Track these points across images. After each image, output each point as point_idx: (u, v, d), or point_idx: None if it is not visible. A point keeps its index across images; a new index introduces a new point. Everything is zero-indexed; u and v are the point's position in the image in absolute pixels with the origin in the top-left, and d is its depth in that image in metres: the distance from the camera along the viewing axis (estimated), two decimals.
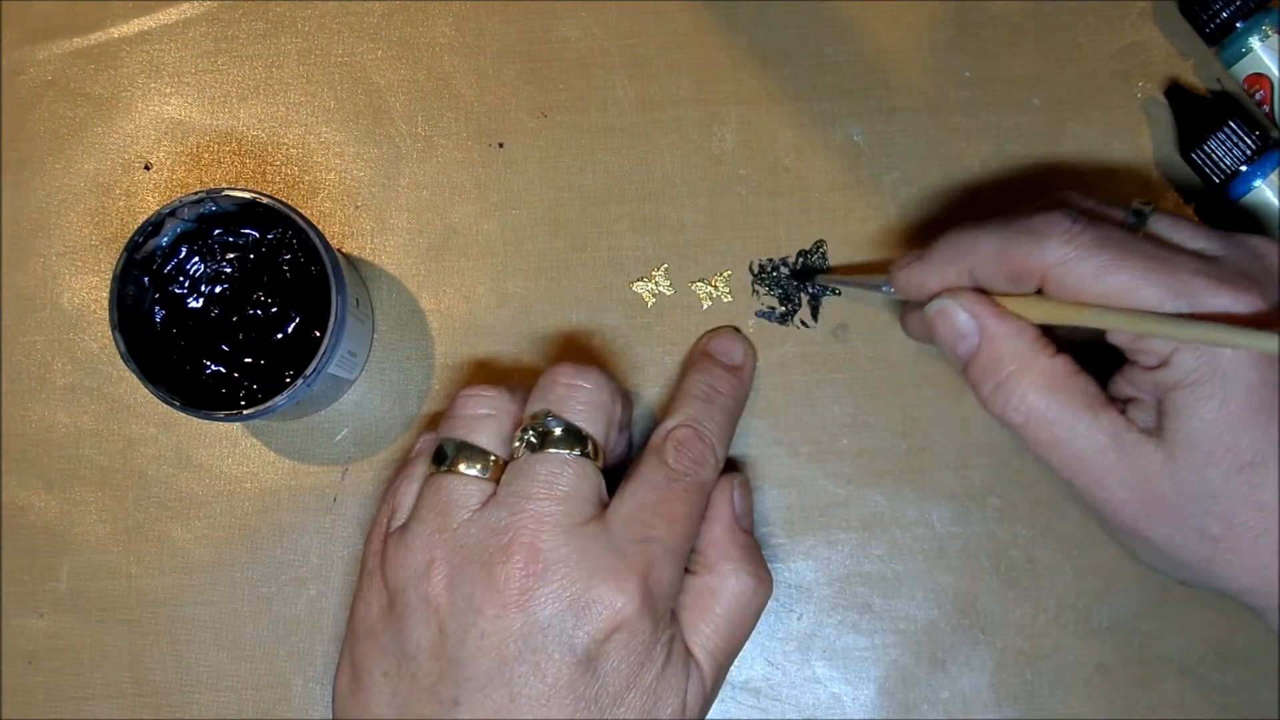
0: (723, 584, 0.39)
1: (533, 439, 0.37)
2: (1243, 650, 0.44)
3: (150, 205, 0.45)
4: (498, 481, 0.37)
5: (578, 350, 0.45)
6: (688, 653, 0.38)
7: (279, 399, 0.38)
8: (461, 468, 0.37)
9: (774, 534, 0.44)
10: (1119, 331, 0.36)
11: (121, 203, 0.45)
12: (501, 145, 0.45)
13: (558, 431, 0.37)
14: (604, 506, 0.37)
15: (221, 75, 0.46)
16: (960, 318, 0.37)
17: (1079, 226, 0.35)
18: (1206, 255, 0.36)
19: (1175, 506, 0.35)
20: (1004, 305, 0.37)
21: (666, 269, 0.45)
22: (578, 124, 0.45)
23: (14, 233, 0.45)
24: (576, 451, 0.37)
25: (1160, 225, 0.37)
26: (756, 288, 0.45)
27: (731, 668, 0.44)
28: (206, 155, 0.45)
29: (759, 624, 0.44)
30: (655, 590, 0.36)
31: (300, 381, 0.38)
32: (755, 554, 0.40)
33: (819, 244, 0.45)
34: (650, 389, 0.45)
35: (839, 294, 0.45)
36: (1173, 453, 0.35)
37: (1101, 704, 0.44)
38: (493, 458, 0.38)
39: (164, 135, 0.46)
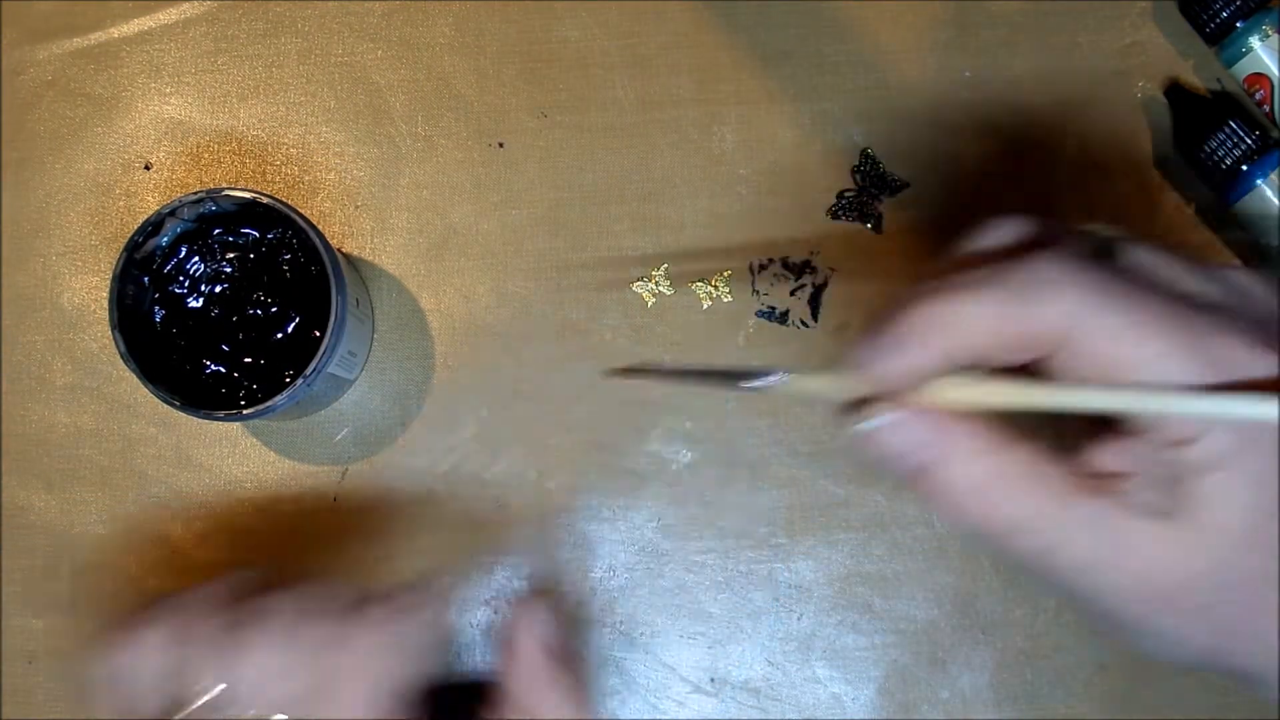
0: None
1: None
2: None
3: (150, 205, 0.45)
4: None
5: (574, 348, 0.45)
6: None
7: (279, 399, 0.38)
8: None
9: (774, 534, 0.44)
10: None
11: (121, 203, 0.45)
12: (501, 145, 0.45)
13: None
14: None
15: (221, 75, 0.46)
16: (902, 437, 0.30)
17: (1088, 271, 0.29)
18: (1207, 299, 0.31)
19: (1194, 596, 0.31)
20: (961, 407, 0.30)
21: (666, 269, 0.45)
22: (578, 124, 0.45)
23: (14, 233, 0.45)
24: None
25: (1140, 258, 0.31)
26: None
27: (731, 668, 0.44)
28: (206, 155, 0.45)
29: (758, 624, 0.44)
30: None
31: (300, 381, 0.38)
32: (569, 685, 0.36)
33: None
34: (651, 389, 0.45)
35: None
36: (1195, 540, 0.30)
37: (1101, 704, 0.44)
38: None
39: (164, 135, 0.46)
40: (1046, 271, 0.28)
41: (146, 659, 0.35)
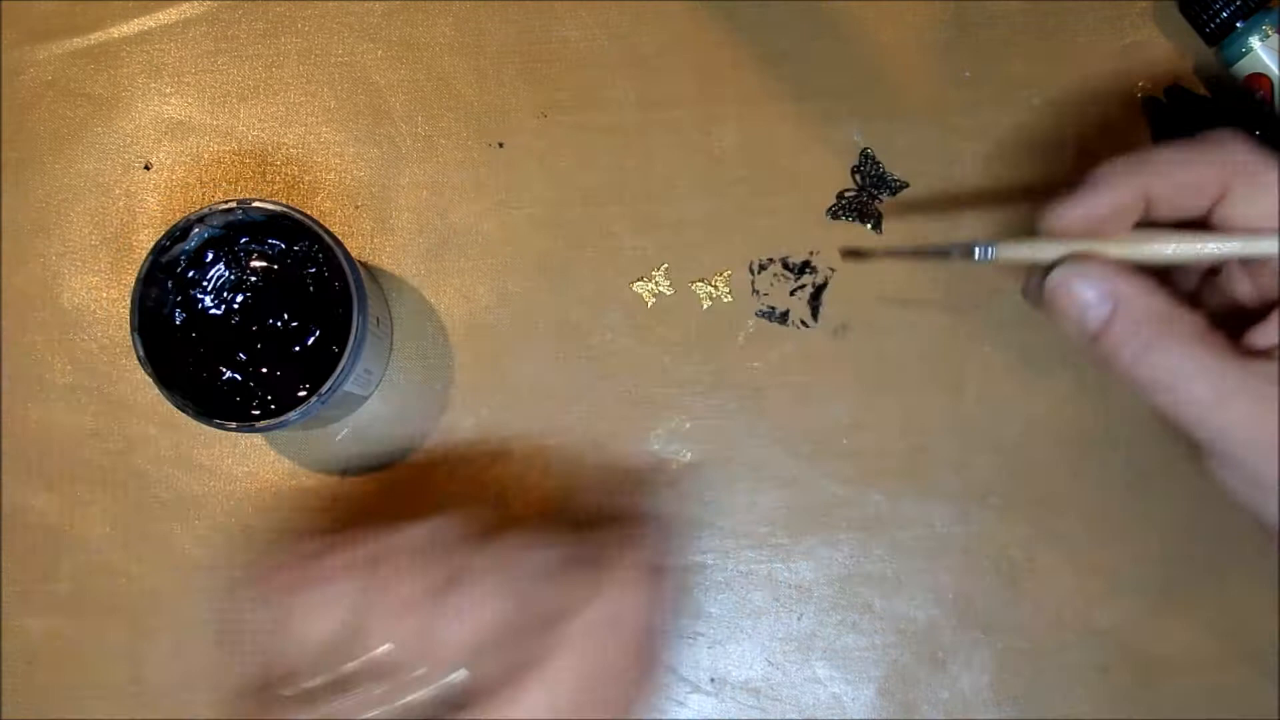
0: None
1: None
2: (1243, 650, 0.44)
3: (150, 205, 0.45)
4: None
5: (574, 349, 0.45)
6: None
7: (291, 415, 0.38)
8: None
9: (774, 534, 0.44)
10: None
11: (121, 203, 0.45)
12: (501, 145, 0.45)
13: None
14: None
15: (221, 75, 0.46)
16: (1086, 289, 0.34)
17: (1252, 144, 0.33)
18: None
19: None
20: (1140, 254, 0.34)
21: (666, 269, 0.45)
22: (578, 124, 0.45)
23: (14, 233, 0.45)
24: None
25: None
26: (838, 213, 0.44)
27: (731, 668, 0.44)
28: (206, 155, 0.45)
29: (758, 624, 0.44)
30: None
31: (315, 399, 0.38)
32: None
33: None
34: (651, 388, 0.45)
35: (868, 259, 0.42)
36: None
37: (1101, 704, 0.44)
38: None
39: (164, 135, 0.46)
40: (1224, 136, 0.34)
41: (327, 613, 0.32)
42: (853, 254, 0.43)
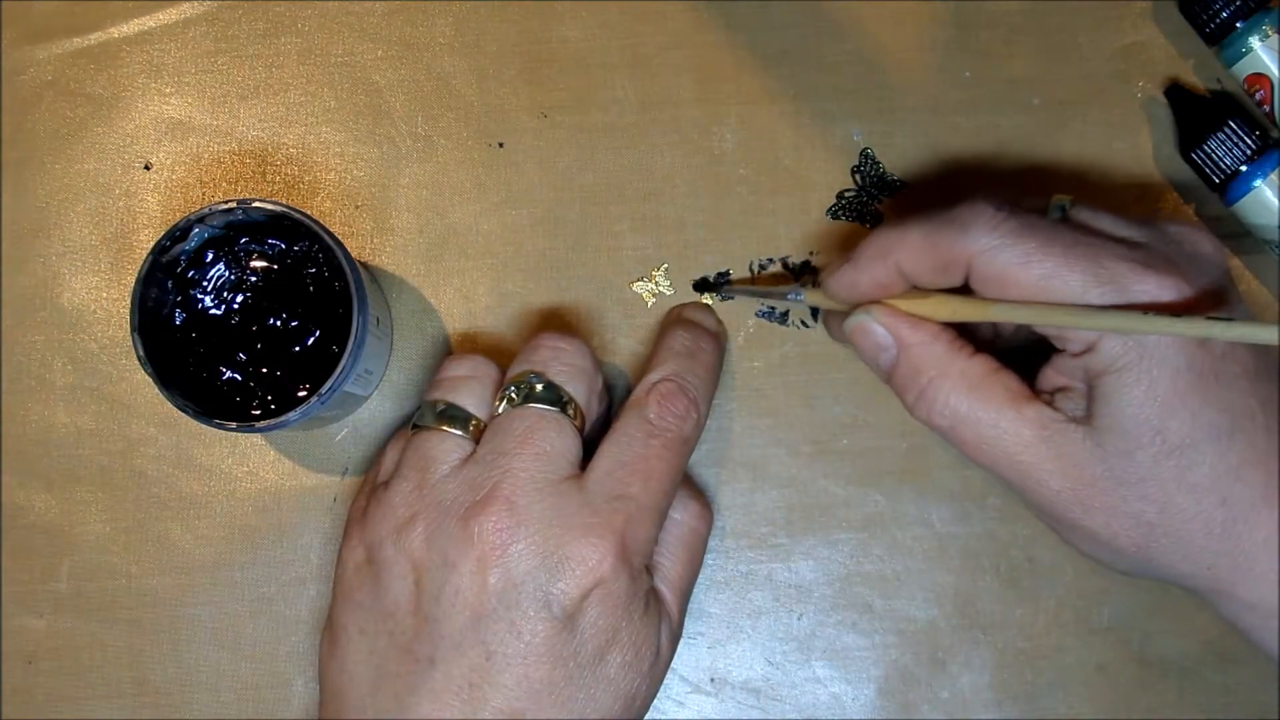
0: (672, 515, 0.40)
1: (514, 395, 0.38)
2: (1243, 650, 0.44)
3: (150, 205, 0.45)
4: (478, 442, 0.38)
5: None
6: (659, 599, 0.38)
7: (291, 415, 0.38)
8: (444, 427, 0.38)
9: (774, 534, 0.44)
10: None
11: (121, 203, 0.45)
12: (501, 145, 0.45)
13: (539, 388, 0.38)
14: (581, 469, 0.38)
15: (221, 75, 0.46)
16: (877, 331, 0.37)
17: (1003, 214, 0.35)
18: (1130, 242, 0.36)
19: (1108, 493, 0.35)
20: (917, 311, 0.37)
21: (666, 269, 0.45)
22: (578, 124, 0.45)
23: (14, 233, 0.45)
24: (556, 409, 0.37)
25: (1082, 215, 0.37)
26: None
27: (731, 668, 0.44)
28: (206, 155, 0.45)
29: (758, 624, 0.44)
30: (631, 547, 0.36)
31: (315, 399, 0.38)
32: (693, 483, 0.42)
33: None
34: None
35: (732, 299, 0.45)
36: (1101, 439, 0.35)
37: (1101, 704, 0.44)
38: (474, 421, 0.38)
39: (164, 135, 0.46)
40: (965, 212, 0.35)
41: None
42: (707, 286, 0.45)
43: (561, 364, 0.38)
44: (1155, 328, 0.32)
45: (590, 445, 0.39)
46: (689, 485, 0.42)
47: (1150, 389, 0.34)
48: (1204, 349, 0.34)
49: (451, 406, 0.38)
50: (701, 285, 0.45)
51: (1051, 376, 0.37)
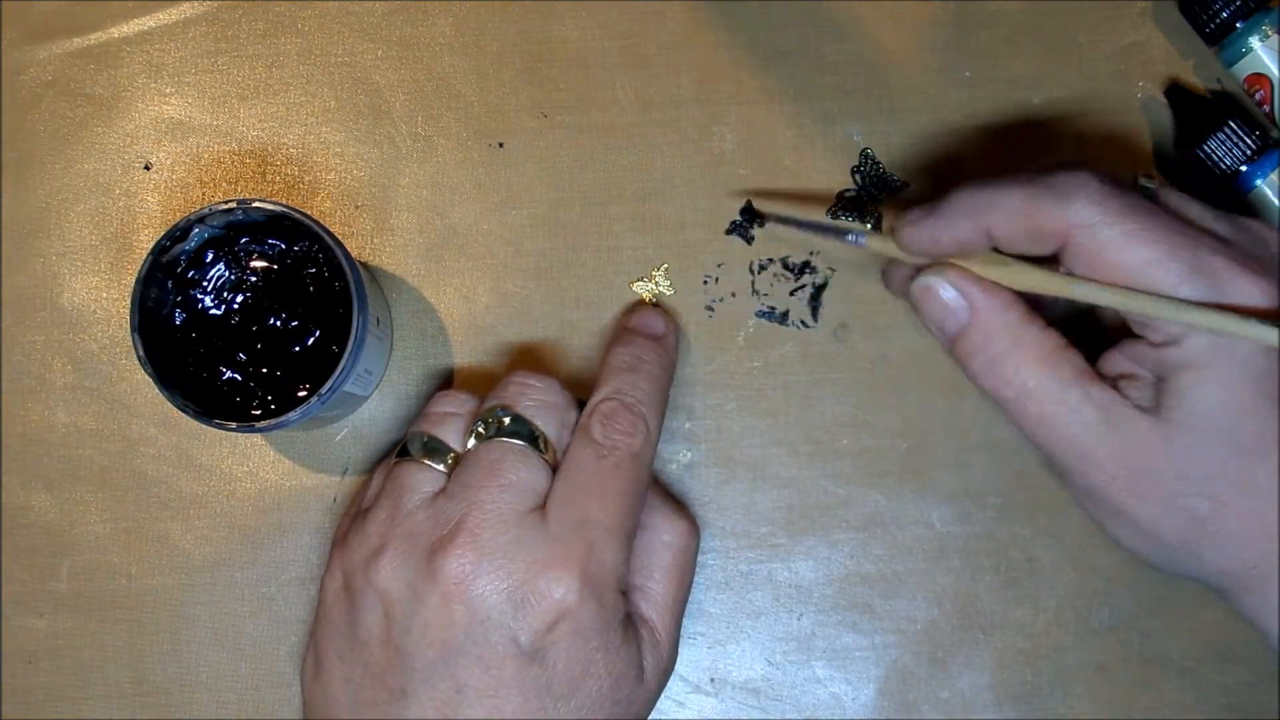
0: (658, 537, 0.39)
1: (481, 430, 0.38)
2: (1243, 650, 0.44)
3: (150, 205, 0.45)
4: None
5: (568, 355, 0.45)
6: (641, 622, 0.38)
7: (291, 415, 0.38)
8: (423, 459, 0.38)
9: (774, 534, 0.44)
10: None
11: (121, 203, 0.45)
12: (501, 145, 0.45)
13: (506, 421, 0.38)
14: None
15: (221, 75, 0.46)
16: (948, 294, 0.36)
17: (1108, 189, 0.34)
18: (1220, 236, 0.35)
19: (1165, 485, 0.35)
20: (994, 277, 0.36)
21: (666, 269, 0.45)
22: (578, 124, 0.45)
23: (14, 233, 0.45)
24: (524, 442, 0.37)
25: (1171, 199, 0.36)
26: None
27: (731, 668, 0.44)
28: (206, 155, 0.45)
29: (758, 624, 0.44)
30: (597, 574, 0.36)
31: (315, 399, 0.38)
32: (676, 500, 0.42)
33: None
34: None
35: (764, 226, 0.44)
36: (1170, 432, 0.34)
37: (1101, 704, 0.44)
38: (453, 454, 0.38)
39: (164, 135, 0.46)
40: (1068, 180, 0.34)
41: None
42: (749, 212, 0.44)
43: (530, 399, 0.38)
44: (1250, 333, 0.32)
45: None
46: (674, 503, 0.41)
47: (1230, 390, 0.34)
48: None
49: (432, 439, 0.39)
50: (748, 213, 0.44)
51: (1119, 362, 0.36)
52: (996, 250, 0.36)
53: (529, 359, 0.45)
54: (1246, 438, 0.34)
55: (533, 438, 0.38)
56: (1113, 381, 0.36)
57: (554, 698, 0.35)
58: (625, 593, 0.37)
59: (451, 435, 0.39)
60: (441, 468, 0.38)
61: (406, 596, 0.35)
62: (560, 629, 0.35)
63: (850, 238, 0.39)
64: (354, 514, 0.40)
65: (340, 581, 0.37)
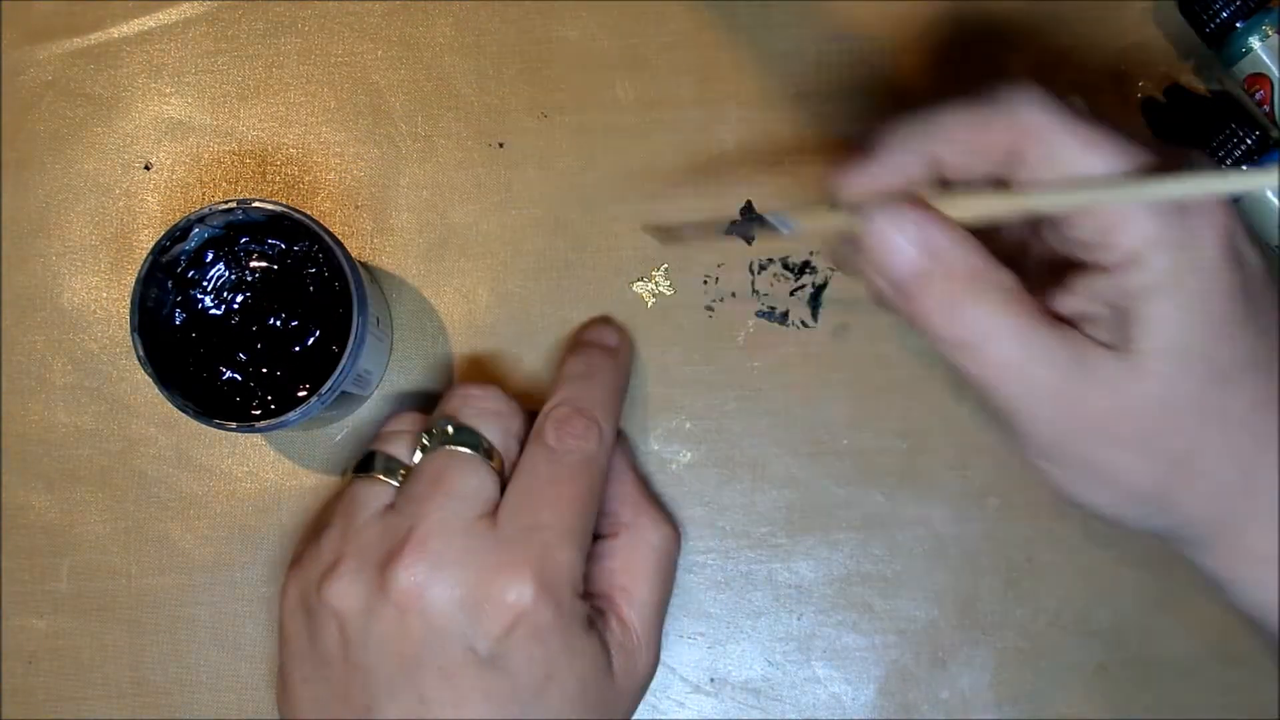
0: (644, 539, 0.40)
1: (426, 442, 0.38)
2: (1243, 650, 0.44)
3: (150, 205, 0.45)
4: None
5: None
6: (620, 623, 0.38)
7: (291, 415, 0.38)
8: (374, 474, 0.38)
9: (774, 534, 0.44)
10: (1085, 222, 0.32)
11: (121, 203, 0.45)
12: (501, 145, 0.45)
13: (450, 430, 0.38)
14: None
15: (221, 75, 0.46)
16: (902, 233, 0.32)
17: (1051, 97, 0.32)
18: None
19: (1142, 426, 0.32)
20: (947, 211, 0.32)
21: (666, 269, 0.45)
22: (578, 124, 0.45)
23: (14, 233, 0.45)
24: (469, 450, 0.37)
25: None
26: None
27: (731, 668, 0.44)
28: (206, 155, 0.45)
29: (758, 624, 0.44)
30: (552, 577, 0.36)
31: (315, 399, 0.38)
32: (660, 504, 0.42)
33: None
34: (651, 388, 0.45)
35: (680, 242, 0.43)
36: (1145, 365, 0.31)
37: (1101, 704, 0.44)
38: (403, 469, 0.38)
39: (164, 135, 0.46)
40: (1011, 91, 0.32)
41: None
42: (660, 231, 0.42)
43: (472, 407, 0.38)
44: (1246, 185, 0.30)
45: None
46: (659, 507, 0.41)
47: (1201, 313, 0.31)
48: (1242, 268, 0.31)
49: (384, 455, 0.39)
50: (661, 232, 0.43)
51: (1072, 302, 0.33)
52: (944, 183, 0.33)
53: (480, 372, 0.45)
54: (1222, 361, 0.31)
55: (477, 446, 0.38)
56: (1070, 321, 0.33)
57: (519, 704, 0.35)
58: (584, 595, 0.37)
59: (402, 450, 0.39)
60: (394, 483, 0.38)
61: (359, 612, 0.35)
62: (517, 633, 0.35)
63: (775, 224, 0.35)
64: (310, 533, 0.40)
65: (296, 601, 0.37)
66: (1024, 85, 0.32)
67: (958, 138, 0.32)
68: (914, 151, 0.33)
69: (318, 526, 0.39)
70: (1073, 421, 0.32)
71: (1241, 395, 0.32)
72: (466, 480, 0.37)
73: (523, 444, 0.39)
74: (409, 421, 0.40)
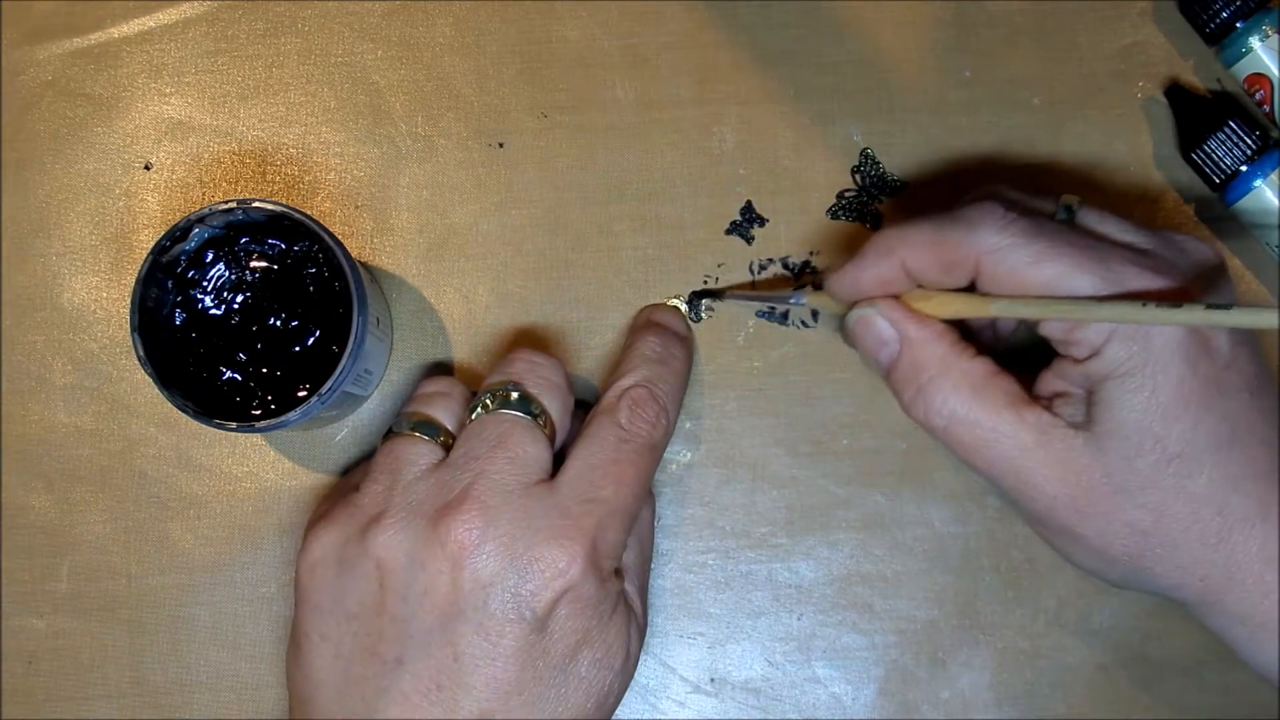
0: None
1: (489, 402, 0.38)
2: None
3: (150, 205, 0.45)
4: (449, 450, 0.38)
5: (568, 356, 0.45)
6: (626, 597, 0.39)
7: (291, 415, 0.38)
8: (416, 434, 0.38)
9: (774, 534, 0.44)
10: (1050, 322, 0.36)
11: (121, 203, 0.45)
12: (501, 145, 0.45)
13: (514, 396, 0.38)
14: (552, 476, 0.38)
15: (221, 75, 0.46)
16: (880, 325, 0.37)
17: (1011, 215, 0.35)
18: (1136, 248, 0.36)
19: (1105, 499, 0.35)
20: (923, 308, 0.37)
21: (679, 298, 0.45)
22: (578, 124, 0.45)
23: (14, 233, 0.45)
24: (529, 416, 0.38)
25: (1089, 219, 0.37)
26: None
27: (731, 668, 0.44)
28: (206, 155, 0.45)
29: (758, 624, 0.44)
30: (601, 550, 0.36)
31: (315, 399, 0.38)
32: None
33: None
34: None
35: (713, 310, 0.45)
36: (1101, 444, 0.35)
37: (1101, 704, 0.44)
38: (444, 431, 0.39)
39: (164, 135, 0.46)
40: (973, 210, 0.36)
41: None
42: (706, 294, 0.45)
43: (537, 376, 0.39)
44: (1156, 318, 0.32)
45: (560, 461, 0.39)
46: None
47: (1153, 395, 0.34)
48: (1208, 358, 0.34)
49: (424, 417, 0.39)
50: (701, 294, 0.45)
51: (1051, 381, 0.37)
52: (921, 287, 0.37)
53: (533, 340, 0.45)
54: (1174, 443, 0.34)
55: (539, 415, 0.38)
56: (1047, 402, 0.36)
57: (550, 666, 0.35)
58: (618, 573, 0.38)
59: (442, 414, 0.39)
60: (434, 439, 0.38)
61: (405, 564, 0.35)
62: (564, 599, 0.35)
63: (792, 299, 0.42)
64: (334, 496, 0.40)
65: (320, 555, 0.37)
66: (988, 205, 0.36)
67: (922, 251, 0.36)
68: (886, 258, 0.37)
69: (343, 488, 0.40)
70: (1045, 495, 0.36)
71: (1200, 474, 0.34)
72: (526, 447, 0.37)
73: (574, 420, 0.40)
74: (445, 384, 0.40)
